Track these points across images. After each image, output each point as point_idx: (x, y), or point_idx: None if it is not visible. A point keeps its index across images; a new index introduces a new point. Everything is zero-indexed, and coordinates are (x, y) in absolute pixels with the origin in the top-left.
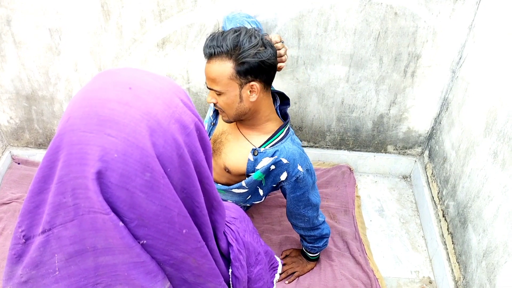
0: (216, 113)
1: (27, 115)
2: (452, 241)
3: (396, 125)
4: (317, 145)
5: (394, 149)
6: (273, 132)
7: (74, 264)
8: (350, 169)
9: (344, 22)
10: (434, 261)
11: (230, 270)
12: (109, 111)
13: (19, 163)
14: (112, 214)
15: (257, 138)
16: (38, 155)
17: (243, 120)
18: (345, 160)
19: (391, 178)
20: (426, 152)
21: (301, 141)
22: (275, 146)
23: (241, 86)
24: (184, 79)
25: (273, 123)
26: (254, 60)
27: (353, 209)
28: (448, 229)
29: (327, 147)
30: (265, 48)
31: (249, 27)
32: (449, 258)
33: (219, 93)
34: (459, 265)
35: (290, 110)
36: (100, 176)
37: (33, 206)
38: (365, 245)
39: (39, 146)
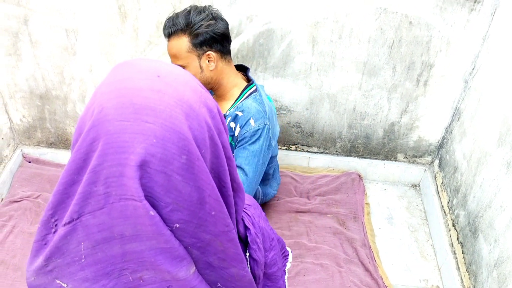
0: None
1: (40, 114)
2: (462, 251)
3: (407, 133)
4: (327, 151)
5: (404, 158)
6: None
7: (100, 251)
8: (359, 176)
9: (358, 30)
10: (443, 270)
11: (248, 254)
12: (144, 99)
13: (29, 162)
14: (145, 201)
15: (226, 105)
16: (49, 154)
17: (213, 91)
18: (354, 167)
19: (400, 186)
20: (436, 161)
21: (310, 147)
22: (237, 106)
23: (199, 57)
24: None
25: (240, 88)
26: (206, 31)
27: (362, 216)
28: (458, 239)
29: (337, 154)
30: (216, 20)
31: None
32: (458, 267)
33: (182, 67)
34: (469, 274)
35: (301, 116)
36: (140, 163)
37: (65, 197)
38: (374, 253)
39: (50, 145)
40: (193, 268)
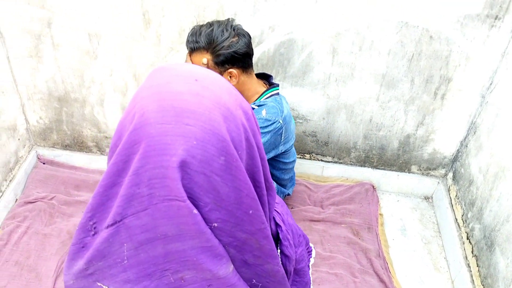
0: None
1: (57, 116)
2: (477, 264)
3: (422, 145)
4: (341, 161)
5: (418, 170)
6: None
7: (143, 252)
8: (373, 186)
9: (379, 42)
10: (457, 282)
11: (279, 250)
12: (184, 102)
13: (44, 163)
14: (188, 201)
15: None
16: (64, 156)
17: None
18: (368, 178)
19: (413, 198)
20: (450, 174)
21: (325, 156)
22: (255, 103)
23: (221, 74)
24: None
25: (259, 93)
26: (228, 52)
27: (376, 226)
28: (472, 252)
29: (351, 164)
30: (238, 38)
31: None
32: (473, 280)
33: None
34: (483, 287)
35: (317, 125)
36: (181, 164)
37: (105, 199)
38: (388, 263)
39: (66, 147)
40: (231, 266)
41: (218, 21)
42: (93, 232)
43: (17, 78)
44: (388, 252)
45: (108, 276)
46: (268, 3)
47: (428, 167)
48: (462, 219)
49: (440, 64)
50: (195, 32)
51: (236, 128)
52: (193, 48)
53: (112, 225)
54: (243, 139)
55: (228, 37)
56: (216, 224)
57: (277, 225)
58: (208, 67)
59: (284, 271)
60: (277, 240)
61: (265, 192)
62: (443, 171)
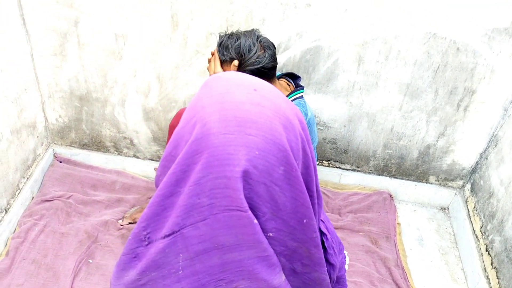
0: None
1: (77, 115)
2: (497, 276)
3: (442, 156)
4: (359, 169)
5: (435, 180)
6: None
7: (199, 262)
8: (390, 196)
9: (406, 52)
10: None
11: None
12: (246, 112)
13: (60, 162)
14: (249, 211)
15: None
16: (81, 155)
17: None
18: (385, 187)
19: (429, 209)
20: (468, 186)
21: (343, 163)
22: None
23: None
24: None
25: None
26: (255, 67)
27: (394, 236)
28: (492, 264)
29: (369, 172)
30: (265, 51)
31: None
32: None
33: None
34: None
35: (338, 133)
36: (244, 174)
37: (161, 209)
38: (407, 273)
39: (83, 146)
40: (283, 275)
41: (245, 33)
42: (146, 242)
43: (39, 76)
44: (406, 261)
45: (161, 286)
46: (297, 10)
47: (446, 178)
48: (480, 231)
49: (465, 76)
50: (223, 45)
51: (295, 137)
52: (222, 61)
53: (169, 235)
54: (300, 148)
55: (256, 51)
56: (271, 234)
57: (322, 233)
58: None
59: (329, 279)
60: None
61: (316, 201)
62: (460, 183)
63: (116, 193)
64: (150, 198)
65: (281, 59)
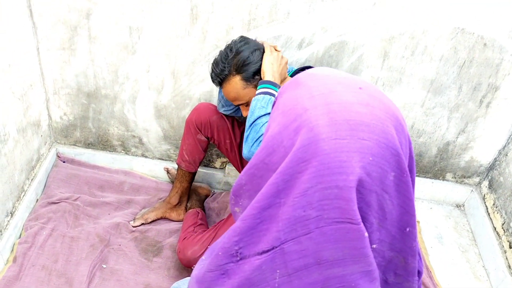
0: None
1: (84, 112)
2: None
3: (460, 153)
4: None
5: (452, 177)
6: None
7: (297, 279)
8: None
9: (432, 48)
10: None
11: None
12: (356, 114)
13: (64, 162)
14: (362, 224)
15: None
16: (86, 155)
17: None
18: None
19: (445, 206)
20: (485, 183)
21: None
22: None
23: (256, 86)
24: None
25: None
26: (250, 63)
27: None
28: None
29: None
30: (243, 46)
31: None
32: None
33: (247, 104)
34: None
35: None
36: (358, 183)
37: (257, 222)
38: (431, 272)
39: (88, 145)
40: None
41: (228, 45)
42: (238, 258)
43: (44, 71)
44: (429, 260)
45: None
46: (324, 3)
47: (463, 175)
48: (502, 228)
49: (490, 72)
50: (214, 69)
51: (405, 140)
52: (221, 80)
53: (267, 251)
54: (408, 151)
55: (247, 49)
56: (375, 246)
57: None
58: (243, 89)
59: None
60: None
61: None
62: (477, 179)
63: (125, 194)
64: (160, 199)
65: (303, 54)
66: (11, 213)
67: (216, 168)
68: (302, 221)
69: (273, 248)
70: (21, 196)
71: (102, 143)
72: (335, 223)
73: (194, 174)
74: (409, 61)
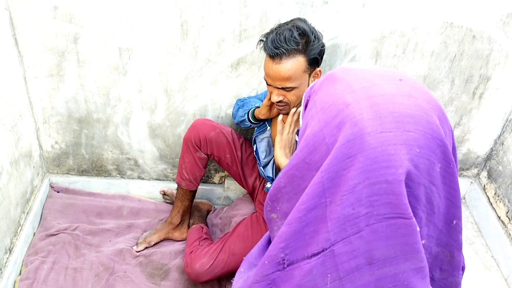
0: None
1: (76, 139)
2: None
3: (457, 146)
4: None
5: None
6: None
7: (349, 282)
8: None
9: (423, 44)
10: (511, 280)
11: None
12: (400, 106)
13: (58, 192)
14: (414, 218)
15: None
16: (80, 183)
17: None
18: None
19: None
20: (484, 173)
21: None
22: None
23: (310, 75)
24: None
25: None
26: (319, 48)
27: None
28: None
29: None
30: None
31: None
32: None
33: (291, 89)
34: None
35: None
36: (406, 177)
37: (303, 225)
38: None
39: (82, 173)
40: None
41: (300, 20)
42: (285, 265)
43: (33, 100)
44: None
45: None
46: (314, 8)
47: (461, 168)
48: (507, 216)
49: (481, 63)
50: (280, 37)
51: (449, 130)
52: (285, 52)
53: (317, 253)
54: (452, 140)
55: (317, 33)
56: (424, 241)
57: None
58: (302, 72)
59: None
60: None
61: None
62: (475, 171)
63: (124, 219)
64: (161, 220)
65: None
66: (9, 249)
67: (215, 183)
68: (352, 219)
69: (323, 251)
70: (18, 231)
71: (97, 169)
72: (386, 219)
73: (195, 192)
74: (401, 59)
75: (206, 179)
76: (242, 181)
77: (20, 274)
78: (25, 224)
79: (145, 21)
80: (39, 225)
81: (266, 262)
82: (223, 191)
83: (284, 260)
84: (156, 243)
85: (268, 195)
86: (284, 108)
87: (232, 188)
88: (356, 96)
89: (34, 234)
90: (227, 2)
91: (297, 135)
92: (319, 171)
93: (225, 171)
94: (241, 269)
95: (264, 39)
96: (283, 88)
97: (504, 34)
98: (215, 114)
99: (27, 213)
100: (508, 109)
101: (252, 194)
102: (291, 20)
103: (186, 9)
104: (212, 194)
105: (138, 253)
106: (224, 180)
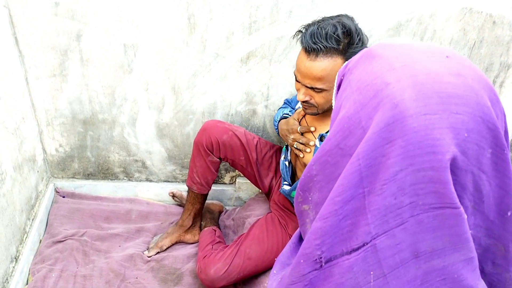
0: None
1: (81, 141)
2: None
3: None
4: None
5: None
6: None
7: (395, 279)
8: None
9: (441, 32)
10: None
11: None
12: (447, 85)
13: (64, 196)
14: (461, 208)
15: (325, 126)
16: (87, 187)
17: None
18: None
19: None
20: None
21: None
22: None
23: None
24: (263, 96)
25: None
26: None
27: None
28: None
29: None
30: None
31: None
32: None
33: (321, 90)
34: None
35: None
36: (452, 163)
37: (340, 218)
38: None
39: (88, 176)
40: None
41: (347, 17)
42: (321, 264)
43: (35, 102)
44: None
45: None
46: None
47: None
48: None
49: (501, 50)
50: (321, 32)
51: (501, 112)
52: (322, 49)
53: (358, 248)
54: (504, 124)
55: (362, 34)
56: (470, 231)
57: None
58: (331, 73)
59: None
60: None
61: None
62: None
63: (133, 223)
64: (172, 223)
65: None
66: (15, 258)
67: (225, 183)
68: (394, 210)
69: (363, 245)
70: (24, 238)
71: (103, 172)
72: (433, 210)
73: (206, 194)
74: None
75: (216, 180)
76: (257, 182)
77: (27, 284)
78: (30, 231)
79: (150, 15)
80: (45, 231)
81: (302, 261)
82: (235, 191)
83: (321, 258)
84: (168, 247)
85: (299, 185)
86: (311, 109)
87: (244, 188)
88: (397, 75)
89: (41, 241)
90: None
91: (320, 140)
92: (354, 158)
93: (236, 171)
94: (273, 271)
95: (304, 30)
96: (312, 88)
97: None
98: (224, 111)
99: (33, 219)
100: None
101: (268, 194)
102: (337, 16)
103: (193, 1)
104: (223, 194)
105: (149, 258)
106: (235, 180)
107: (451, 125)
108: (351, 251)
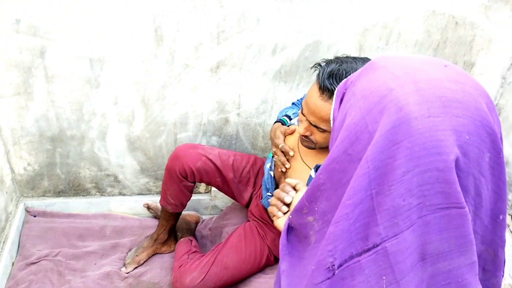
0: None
1: (49, 159)
2: None
3: None
4: None
5: None
6: None
7: (405, 284)
8: None
9: (406, 34)
10: None
11: None
12: (447, 91)
13: (35, 216)
14: (467, 208)
15: (321, 157)
16: (58, 204)
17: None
18: None
19: None
20: None
21: None
22: None
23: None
24: (235, 104)
25: None
26: None
27: None
28: None
29: None
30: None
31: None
32: None
33: (323, 131)
34: None
35: None
36: (455, 164)
37: (350, 223)
38: None
39: (59, 194)
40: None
41: (361, 61)
42: (334, 272)
43: (0, 122)
44: None
45: None
46: (293, 4)
47: None
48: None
49: (464, 50)
50: (344, 76)
51: (497, 118)
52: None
53: (368, 250)
54: (500, 131)
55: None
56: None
57: None
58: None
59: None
60: None
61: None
62: None
63: (108, 239)
64: (147, 237)
65: (278, 60)
66: None
67: (201, 193)
68: (404, 212)
69: (374, 247)
70: None
71: (74, 189)
72: (439, 210)
73: (180, 212)
74: (384, 51)
75: None
76: (236, 198)
77: None
78: (2, 255)
79: (116, 29)
80: (17, 254)
81: (314, 268)
82: (210, 200)
83: (333, 265)
84: (145, 261)
85: (304, 195)
86: (308, 143)
87: (220, 197)
88: (400, 82)
89: (13, 264)
90: (202, 4)
91: (315, 171)
92: (363, 161)
93: None
94: None
95: (323, 65)
96: (315, 126)
97: (486, 19)
98: (196, 121)
99: (4, 242)
100: (493, 94)
101: (246, 206)
102: (362, 58)
103: (160, 13)
104: (199, 204)
105: (127, 275)
106: (211, 189)
107: (453, 127)
108: (361, 253)
